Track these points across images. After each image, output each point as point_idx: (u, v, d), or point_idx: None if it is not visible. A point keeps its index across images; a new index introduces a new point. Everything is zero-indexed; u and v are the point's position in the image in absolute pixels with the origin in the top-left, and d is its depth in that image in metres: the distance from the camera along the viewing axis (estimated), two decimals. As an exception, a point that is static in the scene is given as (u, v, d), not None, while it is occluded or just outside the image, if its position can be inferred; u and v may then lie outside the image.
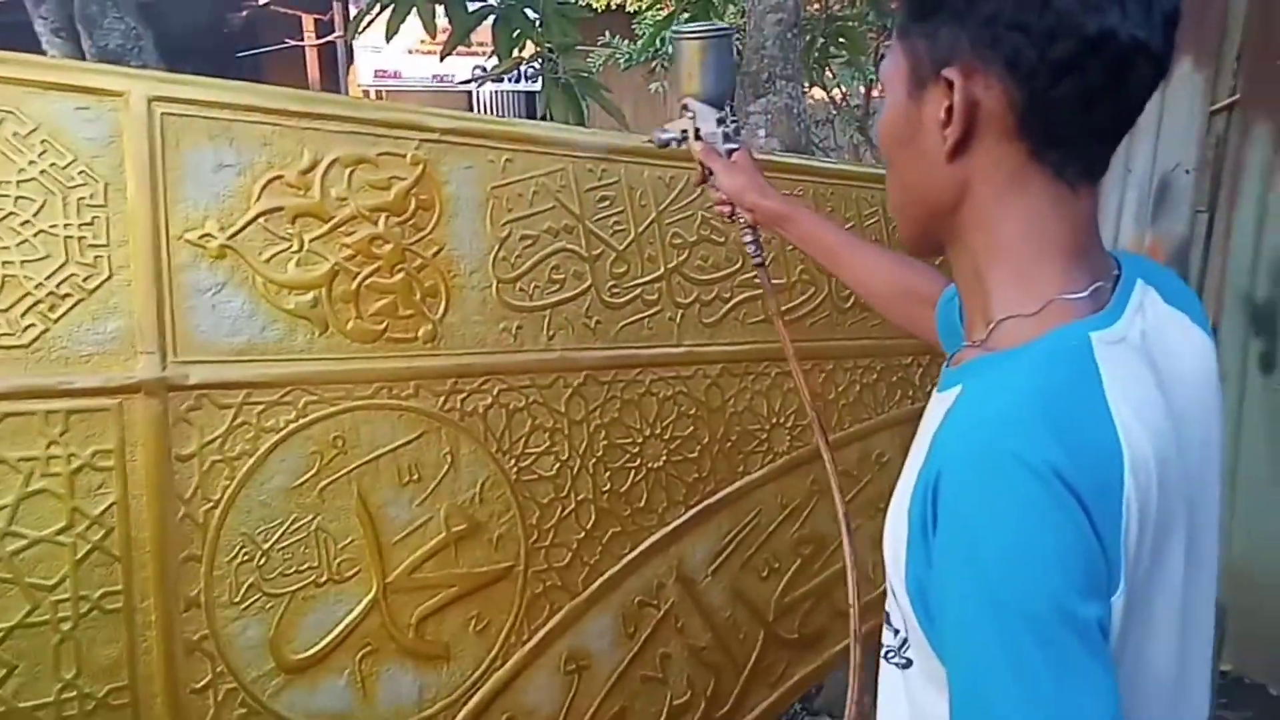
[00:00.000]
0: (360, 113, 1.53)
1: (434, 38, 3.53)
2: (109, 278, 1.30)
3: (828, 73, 6.88)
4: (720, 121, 1.41)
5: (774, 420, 1.98)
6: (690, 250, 1.89)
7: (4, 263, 1.23)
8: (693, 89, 1.43)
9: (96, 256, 1.30)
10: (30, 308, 1.24)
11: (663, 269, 1.85)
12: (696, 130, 1.41)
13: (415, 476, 1.54)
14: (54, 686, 1.21)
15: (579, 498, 1.71)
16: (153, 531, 1.30)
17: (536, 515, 1.66)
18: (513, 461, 1.64)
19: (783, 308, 2.00)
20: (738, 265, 1.95)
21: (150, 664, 1.28)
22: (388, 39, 3.71)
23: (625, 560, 1.75)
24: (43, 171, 1.26)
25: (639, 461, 1.79)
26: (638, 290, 1.81)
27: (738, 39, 2.90)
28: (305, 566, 1.42)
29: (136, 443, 1.30)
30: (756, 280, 1.54)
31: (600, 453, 1.74)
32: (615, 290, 1.78)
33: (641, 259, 1.82)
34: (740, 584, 1.90)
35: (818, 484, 2.03)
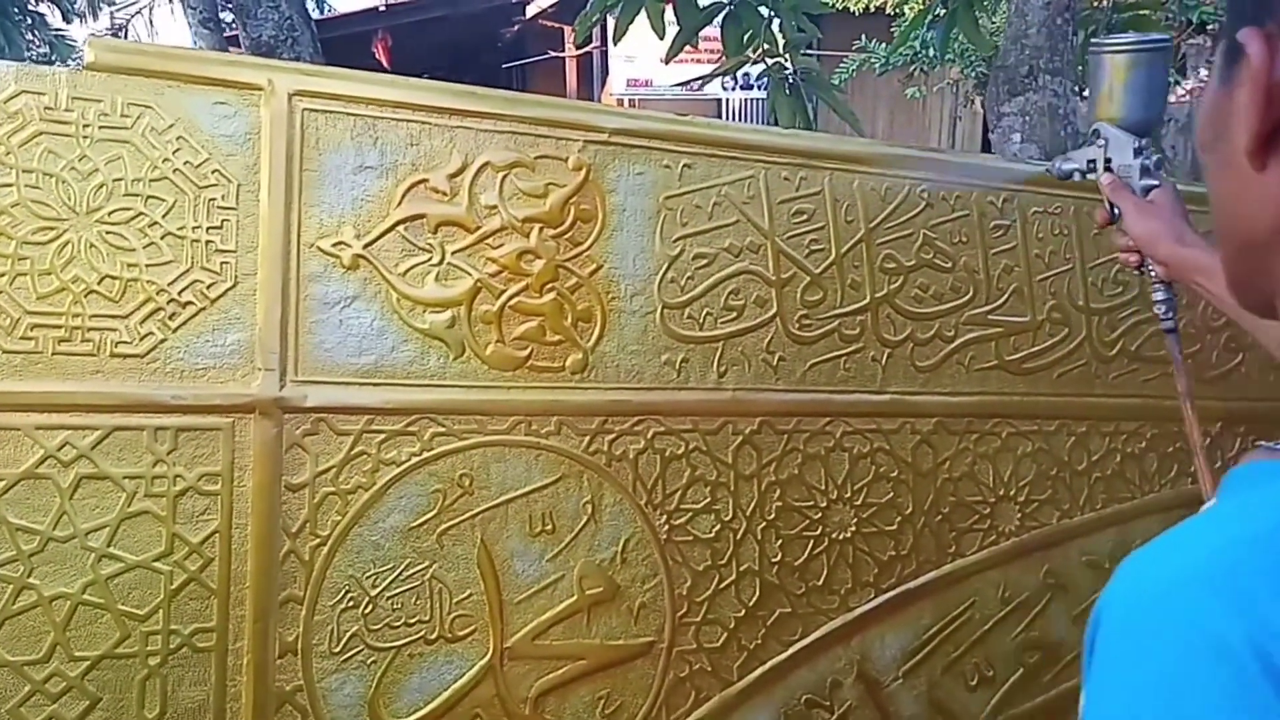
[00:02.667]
0: (519, 110, 1.36)
1: (661, 37, 3.37)
2: (233, 286, 1.20)
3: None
4: (1138, 152, 1.20)
5: (1001, 492, 1.61)
6: (906, 277, 1.56)
7: (128, 265, 1.16)
8: (1110, 112, 1.21)
9: (223, 263, 1.20)
10: (150, 314, 1.17)
11: (869, 298, 1.53)
12: (1108, 161, 1.22)
13: (549, 527, 1.34)
14: (136, 725, 1.13)
15: (741, 568, 1.44)
16: (254, 566, 1.19)
17: (688, 584, 1.40)
18: (664, 518, 1.40)
19: (1026, 351, 1.64)
20: (968, 297, 1.60)
21: (239, 713, 1.17)
22: (615, 40, 3.59)
23: (794, 648, 1.46)
24: (175, 170, 1.19)
25: (820, 530, 1.49)
26: (834, 323, 1.51)
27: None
28: (415, 619, 1.26)
29: (246, 467, 1.19)
30: (1164, 352, 1.26)
31: (772, 515, 1.46)
32: (806, 322, 1.50)
33: (842, 285, 1.52)
34: (941, 692, 1.54)
35: (1054, 576, 1.63)
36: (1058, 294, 1.67)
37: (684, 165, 1.44)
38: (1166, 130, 7.06)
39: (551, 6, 11.23)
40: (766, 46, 3.09)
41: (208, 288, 1.19)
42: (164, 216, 1.18)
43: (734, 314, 1.46)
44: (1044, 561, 1.63)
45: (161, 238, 1.18)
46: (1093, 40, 1.23)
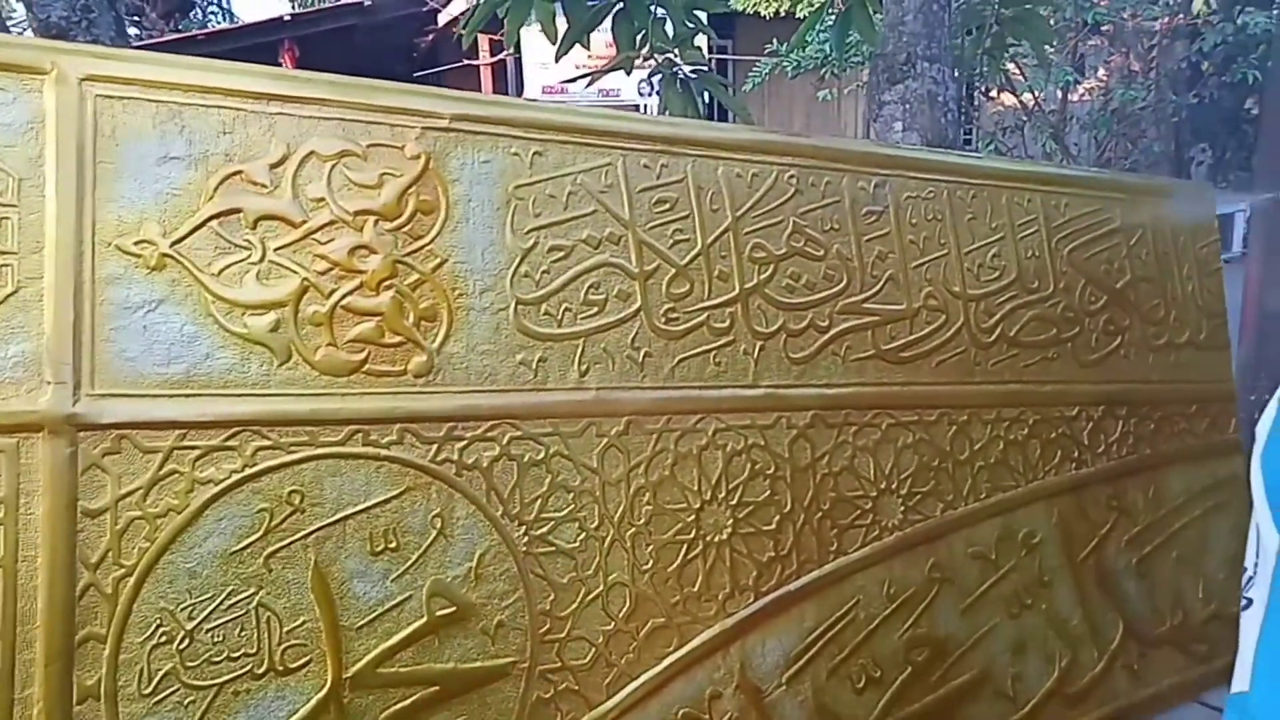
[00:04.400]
0: (347, 95, 1.25)
1: (553, 41, 3.29)
2: (15, 291, 1.07)
3: (1016, 73, 6.19)
4: None
5: (883, 485, 1.56)
6: (776, 266, 1.50)
7: (-115, 271, 1.02)
8: None
9: (2, 265, 1.07)
10: (-86, 325, 1.03)
11: (738, 289, 1.47)
12: None
13: (393, 544, 1.23)
14: (-99, 793, 0.99)
15: (610, 578, 1.35)
16: (46, 603, 1.06)
17: (551, 599, 1.31)
18: (523, 529, 1.30)
19: (904, 340, 1.59)
20: (841, 285, 1.55)
21: (29, 769, 1.04)
22: (507, 44, 3.49)
23: (668, 660, 1.38)
24: (-58, 163, 1.05)
25: (694, 533, 1.41)
26: (703, 315, 1.44)
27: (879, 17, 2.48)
28: (240, 652, 1.15)
29: (34, 492, 1.06)
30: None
31: (643, 521, 1.38)
32: (672, 315, 1.42)
33: (709, 277, 1.45)
34: (827, 696, 1.48)
35: (939, 570, 1.58)
36: (934, 280, 1.63)
37: (534, 153, 1.35)
38: (1070, 128, 7.25)
39: (464, 14, 11.07)
40: (656, 44, 3.03)
41: (-17, 293, 1.06)
42: (-71, 214, 1.05)
43: (594, 309, 1.37)
44: (929, 555, 1.58)
45: (-74, 238, 1.04)
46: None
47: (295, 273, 1.20)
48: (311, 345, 1.21)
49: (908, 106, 2.14)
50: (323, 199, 1.23)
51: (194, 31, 11.57)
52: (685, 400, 1.42)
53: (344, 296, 1.23)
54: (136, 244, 1.13)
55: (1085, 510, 1.72)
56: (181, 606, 1.12)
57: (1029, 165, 1.83)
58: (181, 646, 1.12)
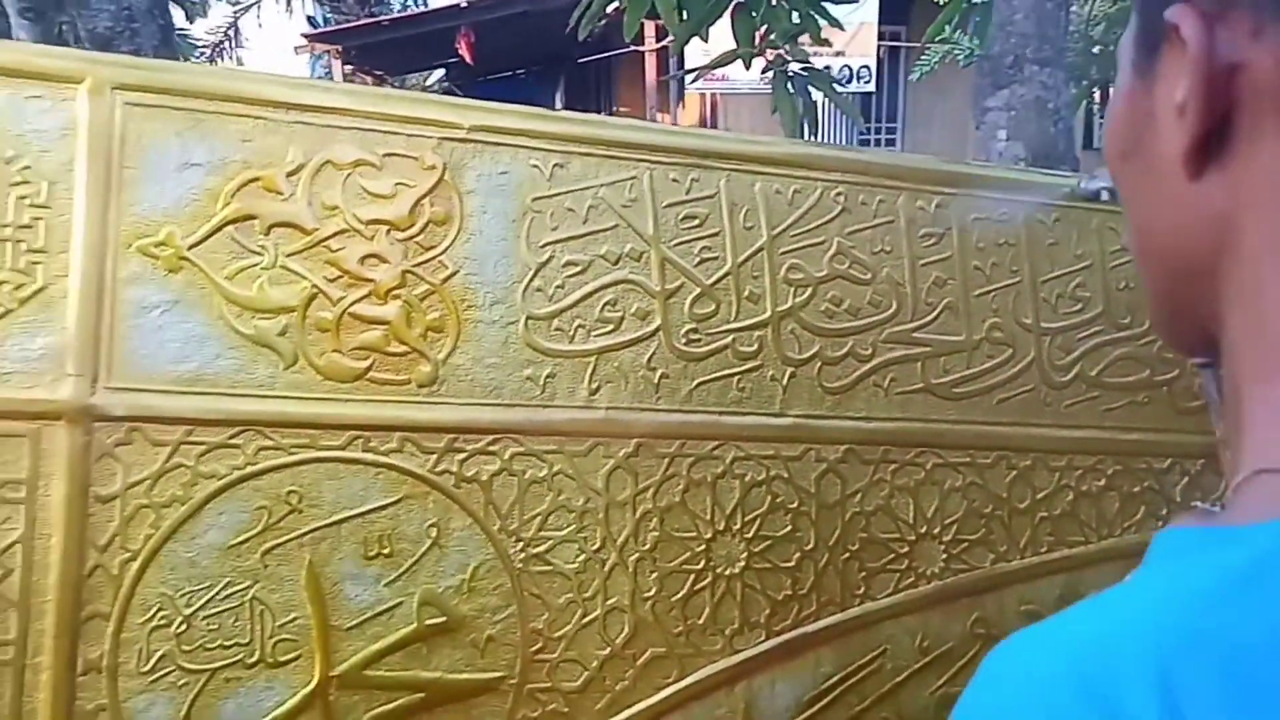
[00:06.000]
0: (366, 105, 1.27)
1: (674, 33, 3.25)
2: (43, 288, 1.16)
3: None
4: None
5: (923, 529, 1.44)
6: (815, 289, 1.42)
7: (-68, 266, 1.13)
8: None
9: (32, 263, 1.16)
10: (-46, 317, 1.13)
11: (769, 312, 1.39)
12: None
13: (386, 550, 1.25)
14: (-80, 740, 1.10)
15: (609, 602, 1.32)
16: (58, 579, 1.14)
17: (545, 618, 1.30)
18: (520, 546, 1.29)
19: (959, 374, 1.47)
20: (889, 312, 1.44)
21: (33, 730, 1.13)
22: (626, 38, 3.49)
23: (666, 692, 1.33)
24: (-14, 167, 1.15)
25: (704, 563, 1.36)
26: (728, 338, 1.38)
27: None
28: (233, 641, 1.20)
29: (52, 476, 1.15)
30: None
31: (648, 546, 1.34)
32: (694, 337, 1.37)
33: (738, 297, 1.39)
34: (839, 748, 1.39)
35: (984, 625, 1.45)
36: (1000, 311, 1.49)
37: (554, 165, 1.33)
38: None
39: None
40: (776, 38, 2.93)
41: (16, 289, 1.15)
42: (-28, 215, 1.14)
43: (610, 326, 1.34)
44: (973, 609, 1.45)
45: (-31, 237, 1.14)
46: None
47: (305, 279, 1.24)
48: (317, 350, 1.24)
49: (1014, 113, 1.96)
50: (336, 207, 1.25)
51: (380, 17, 12.24)
52: (702, 425, 1.36)
53: (352, 304, 1.25)
54: (156, 246, 1.19)
55: (1168, 575, 1.53)
56: (181, 593, 1.18)
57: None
58: (179, 630, 1.18)
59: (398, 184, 1.27)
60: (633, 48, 12.05)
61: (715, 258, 1.38)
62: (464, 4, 11.05)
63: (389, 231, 1.26)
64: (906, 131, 11.38)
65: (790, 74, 2.63)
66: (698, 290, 1.37)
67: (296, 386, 1.23)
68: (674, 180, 1.37)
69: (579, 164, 1.34)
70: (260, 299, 1.22)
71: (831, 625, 1.40)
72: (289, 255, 1.23)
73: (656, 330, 1.35)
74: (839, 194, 1.43)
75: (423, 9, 13.66)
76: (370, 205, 1.26)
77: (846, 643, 1.41)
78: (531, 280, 1.31)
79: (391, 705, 1.25)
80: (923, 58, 8.84)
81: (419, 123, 1.28)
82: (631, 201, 1.35)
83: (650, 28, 11.76)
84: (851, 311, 1.43)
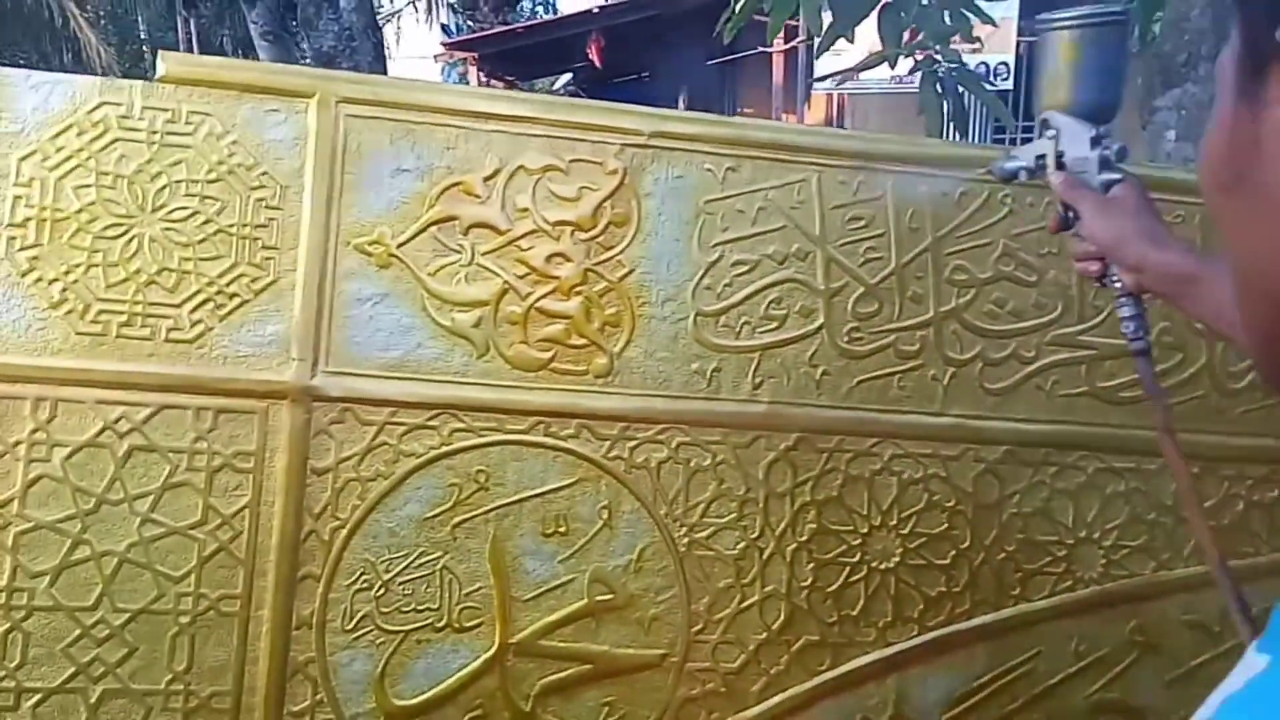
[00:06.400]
0: (555, 114, 1.37)
1: (817, 34, 3.26)
2: (274, 281, 1.30)
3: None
4: (1095, 142, 1.03)
5: (1082, 533, 1.44)
6: (978, 291, 1.44)
7: (184, 259, 1.28)
8: (1059, 99, 1.06)
9: (266, 259, 1.30)
10: (201, 304, 1.28)
11: (932, 312, 1.42)
12: (1059, 156, 1.05)
13: (562, 529, 1.34)
14: (164, 677, 1.24)
15: (767, 589, 1.38)
16: (278, 541, 1.28)
17: (707, 601, 1.37)
18: (685, 530, 1.37)
19: (1125, 378, 1.46)
20: (1054, 314, 1.45)
21: (255, 676, 1.27)
22: (769, 41, 3.52)
23: (820, 678, 1.38)
24: (230, 172, 1.29)
25: (859, 556, 1.40)
26: (890, 337, 1.41)
27: (1152, 21, 2.21)
28: (425, 606, 1.31)
29: (276, 449, 1.29)
30: (1135, 371, 1.09)
31: (805, 537, 1.39)
32: (857, 335, 1.41)
33: (901, 297, 1.42)
34: (992, 745, 1.41)
35: (1144, 634, 1.44)
36: (1171, 315, 1.47)
37: (728, 168, 1.39)
38: None
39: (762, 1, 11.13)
40: (925, 39, 2.91)
41: (252, 281, 1.29)
42: (218, 215, 1.29)
43: (775, 323, 1.40)
44: (1132, 615, 1.44)
45: (214, 234, 1.29)
46: (1038, 16, 1.05)
47: (498, 275, 1.34)
48: (507, 341, 1.34)
49: (1184, 113, 1.90)
50: (527, 209, 1.35)
51: (515, 25, 12.61)
52: (862, 422, 1.40)
53: (539, 299, 1.35)
54: (370, 244, 1.32)
55: (1347, 593, 1.48)
56: (381, 560, 1.30)
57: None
58: (379, 594, 1.30)
59: (582, 187, 1.36)
60: (761, 49, 12.04)
61: (880, 258, 1.42)
62: (596, 10, 11.28)
63: (573, 232, 1.36)
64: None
65: (940, 75, 2.62)
66: (861, 289, 1.41)
67: (487, 374, 1.34)
68: (842, 182, 1.41)
69: (750, 167, 1.40)
70: (458, 294, 1.33)
71: (985, 624, 1.42)
72: (484, 254, 1.34)
73: (820, 328, 1.40)
74: (1006, 195, 1.44)
75: (555, 16, 13.99)
76: (557, 207, 1.36)
77: (1000, 643, 1.42)
78: (702, 279, 1.38)
79: (562, 674, 1.34)
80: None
81: (603, 130, 1.37)
82: (800, 203, 1.40)
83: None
84: (1015, 313, 1.44)
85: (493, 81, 12.18)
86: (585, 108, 1.39)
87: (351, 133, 1.32)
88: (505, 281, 1.34)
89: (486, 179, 1.35)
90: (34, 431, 1.23)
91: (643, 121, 1.38)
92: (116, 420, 1.25)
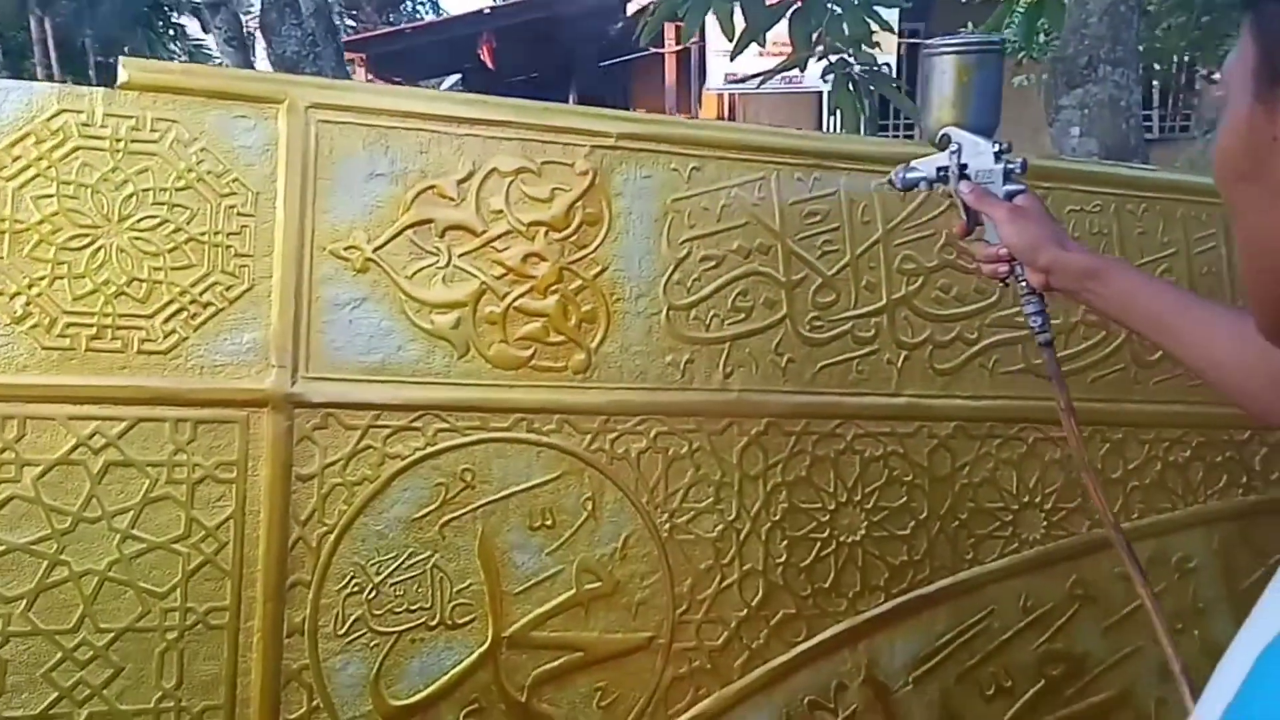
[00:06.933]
0: (526, 117, 1.40)
1: (730, 39, 3.36)
2: (250, 288, 1.29)
3: (1210, 74, 5.68)
4: (998, 156, 1.12)
5: (1025, 499, 1.56)
6: (926, 279, 1.54)
7: (154, 269, 1.25)
8: (955, 118, 1.15)
9: (240, 266, 1.28)
10: (174, 314, 1.26)
11: (884, 300, 1.52)
12: (962, 167, 1.13)
13: (549, 522, 1.38)
14: (154, 695, 1.22)
15: (745, 567, 1.44)
16: (265, 550, 1.27)
17: (689, 582, 1.42)
18: (666, 516, 1.42)
19: (1059, 354, 1.58)
20: (993, 299, 1.56)
21: (249, 687, 1.25)
22: (681, 42, 3.59)
23: (797, 649, 1.45)
24: (199, 179, 1.27)
25: (828, 532, 1.48)
26: (847, 325, 1.50)
27: (1034, 35, 2.40)
28: (417, 606, 1.32)
29: (259, 458, 1.27)
30: (1040, 361, 1.19)
31: (778, 516, 1.46)
32: (817, 323, 1.49)
33: (856, 287, 1.51)
34: (954, 701, 1.51)
35: (1082, 587, 1.57)
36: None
37: (692, 168, 1.45)
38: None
39: (650, 4, 11.26)
40: (830, 41, 3.05)
41: (226, 289, 1.28)
42: (188, 223, 1.27)
43: (742, 315, 1.46)
44: (1071, 572, 1.57)
45: (185, 243, 1.27)
46: (925, 43, 1.17)
47: (475, 276, 1.36)
48: (486, 341, 1.36)
49: (1086, 111, 2.07)
50: (501, 211, 1.38)
51: (402, 25, 12.39)
52: (825, 405, 1.49)
53: (516, 299, 1.38)
54: (346, 249, 1.32)
55: (1251, 540, 1.65)
56: (371, 563, 1.31)
57: (1207, 178, 1.74)
58: (370, 597, 1.31)
59: (554, 188, 1.40)
60: (653, 50, 12.19)
61: (835, 250, 1.50)
62: (487, 11, 11.20)
63: (547, 232, 1.39)
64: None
65: (853, 76, 2.75)
66: (820, 281, 1.49)
67: (469, 374, 1.36)
68: (798, 179, 1.49)
69: (713, 167, 1.46)
70: (437, 296, 1.35)
71: (944, 588, 1.52)
72: (461, 255, 1.36)
73: (783, 318, 1.48)
74: (947, 190, 1.54)
75: (441, 16, 13.80)
76: (531, 208, 1.38)
77: (957, 604, 1.53)
78: (672, 274, 1.44)
79: (555, 663, 1.37)
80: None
81: (573, 132, 1.41)
82: (761, 200, 1.47)
83: (670, 30, 11.87)
84: (959, 298, 1.55)
85: (378, 82, 11.93)
86: (555, 111, 1.42)
87: (323, 138, 1.32)
88: (483, 282, 1.37)
89: (460, 182, 1.37)
90: (2, 451, 1.19)
91: (611, 124, 1.43)
92: (90, 436, 1.22)
